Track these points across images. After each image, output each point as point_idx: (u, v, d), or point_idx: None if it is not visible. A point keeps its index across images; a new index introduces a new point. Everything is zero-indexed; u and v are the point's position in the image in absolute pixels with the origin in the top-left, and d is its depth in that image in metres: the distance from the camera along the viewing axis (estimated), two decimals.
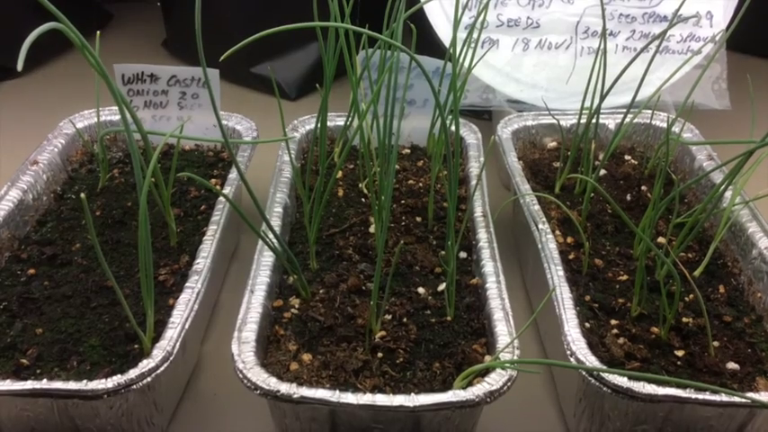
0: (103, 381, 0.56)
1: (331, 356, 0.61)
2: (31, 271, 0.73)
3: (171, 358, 0.58)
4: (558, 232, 0.78)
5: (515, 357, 0.58)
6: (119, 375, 0.56)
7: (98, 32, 0.82)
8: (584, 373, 0.59)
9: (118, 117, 0.93)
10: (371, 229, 0.77)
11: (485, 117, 1.13)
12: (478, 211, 0.77)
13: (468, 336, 0.65)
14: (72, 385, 0.56)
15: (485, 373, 0.57)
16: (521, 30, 0.99)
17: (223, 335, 0.70)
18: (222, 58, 0.52)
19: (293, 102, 1.28)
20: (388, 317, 0.66)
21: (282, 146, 0.85)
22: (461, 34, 0.83)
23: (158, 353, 0.58)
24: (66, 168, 0.89)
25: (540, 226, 0.74)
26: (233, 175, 0.82)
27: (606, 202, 0.84)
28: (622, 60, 0.82)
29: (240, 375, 0.56)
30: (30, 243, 0.77)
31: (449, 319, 0.66)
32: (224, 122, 0.92)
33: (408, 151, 0.94)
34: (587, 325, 0.66)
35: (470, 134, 0.92)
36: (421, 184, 0.86)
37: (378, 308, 0.64)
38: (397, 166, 0.89)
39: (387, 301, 0.67)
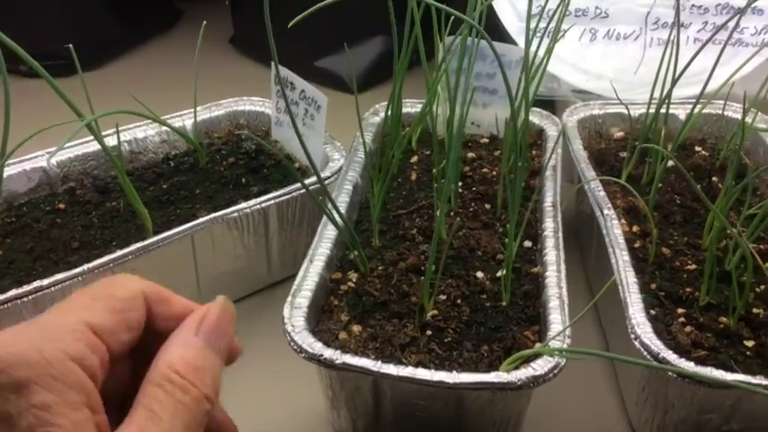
0: None
1: (380, 330, 0.61)
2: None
3: None
4: (623, 221, 0.76)
5: (565, 346, 0.56)
6: None
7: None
8: (648, 357, 0.57)
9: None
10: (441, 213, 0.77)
11: (549, 110, 1.12)
12: (548, 201, 0.75)
13: (522, 322, 0.63)
14: None
15: (533, 359, 0.56)
16: (588, 20, 0.98)
17: None
18: (291, 24, 0.52)
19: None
20: (443, 297, 0.65)
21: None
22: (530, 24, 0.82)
23: None
24: None
25: (606, 212, 0.72)
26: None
27: (675, 192, 0.81)
28: (694, 53, 0.80)
29: (288, 338, 0.57)
30: None
31: (504, 304, 0.65)
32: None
33: (487, 140, 0.93)
34: (652, 312, 0.64)
35: (551, 126, 0.90)
36: (494, 173, 0.85)
37: (432, 287, 0.63)
38: (472, 155, 0.89)
39: (443, 281, 0.66)
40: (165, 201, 0.80)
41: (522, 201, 0.75)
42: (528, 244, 0.73)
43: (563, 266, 0.66)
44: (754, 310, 0.65)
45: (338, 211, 0.65)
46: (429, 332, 0.61)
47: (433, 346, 0.60)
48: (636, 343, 0.58)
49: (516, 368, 0.56)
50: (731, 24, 0.78)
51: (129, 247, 0.68)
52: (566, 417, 0.69)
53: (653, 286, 0.68)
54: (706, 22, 0.99)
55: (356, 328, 0.61)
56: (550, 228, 0.71)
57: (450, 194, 0.77)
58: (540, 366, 0.55)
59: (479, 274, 0.69)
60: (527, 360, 0.56)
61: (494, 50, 0.58)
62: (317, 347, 0.56)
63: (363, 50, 1.28)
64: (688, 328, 0.63)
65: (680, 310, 0.65)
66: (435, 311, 0.63)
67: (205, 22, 0.82)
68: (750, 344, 0.62)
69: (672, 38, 0.76)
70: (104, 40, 1.46)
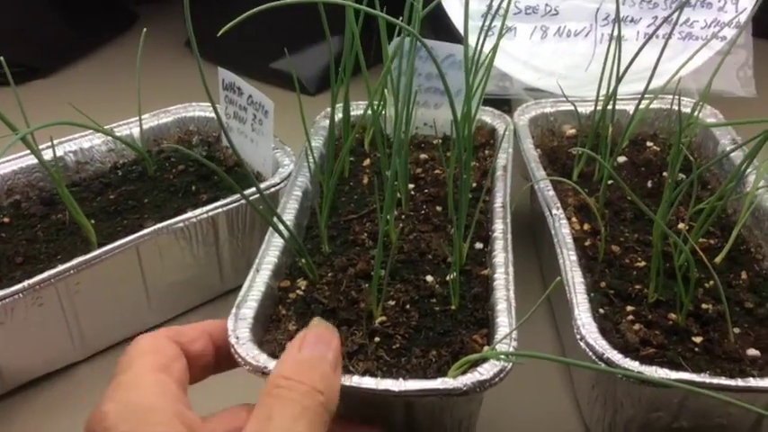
0: None
1: None
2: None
3: None
4: (574, 219, 0.76)
5: (512, 349, 0.56)
6: None
7: None
8: (593, 357, 0.57)
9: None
10: (390, 216, 0.76)
11: (505, 108, 1.12)
12: (498, 202, 0.75)
13: (471, 326, 0.63)
14: None
15: (481, 363, 0.56)
16: (539, 17, 0.98)
17: None
18: (221, 32, 0.51)
19: (312, 97, 1.27)
20: (392, 303, 0.64)
21: (310, 132, 0.84)
22: (478, 23, 0.81)
23: None
24: None
25: (554, 211, 0.72)
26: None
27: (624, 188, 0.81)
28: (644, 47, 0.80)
29: (232, 350, 0.55)
30: None
31: (453, 308, 0.65)
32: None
33: (440, 141, 0.92)
34: (601, 311, 0.64)
35: (503, 125, 0.90)
36: (447, 174, 0.85)
37: (381, 293, 0.63)
38: (425, 156, 0.88)
39: (392, 287, 0.66)
40: (113, 211, 0.79)
41: (474, 202, 0.75)
42: (479, 246, 0.73)
43: (511, 268, 0.65)
44: (703, 306, 0.65)
45: (281, 220, 0.64)
46: (377, 339, 0.61)
47: (381, 353, 0.59)
48: (581, 344, 0.58)
49: (463, 373, 0.55)
50: (680, 19, 0.78)
51: (70, 261, 0.66)
52: (520, 417, 0.69)
53: (602, 284, 0.68)
54: (656, 17, 1.00)
55: None
56: (500, 229, 0.71)
57: (398, 198, 0.77)
58: (486, 371, 0.54)
59: (429, 278, 0.68)
60: (474, 364, 0.56)
61: (431, 54, 0.57)
62: (261, 359, 0.55)
63: (319, 53, 1.27)
64: (636, 326, 0.63)
65: (629, 308, 0.65)
66: (384, 318, 0.63)
67: (145, 29, 0.80)
68: (698, 340, 0.62)
69: (616, 34, 0.76)
70: (58, 46, 1.44)
